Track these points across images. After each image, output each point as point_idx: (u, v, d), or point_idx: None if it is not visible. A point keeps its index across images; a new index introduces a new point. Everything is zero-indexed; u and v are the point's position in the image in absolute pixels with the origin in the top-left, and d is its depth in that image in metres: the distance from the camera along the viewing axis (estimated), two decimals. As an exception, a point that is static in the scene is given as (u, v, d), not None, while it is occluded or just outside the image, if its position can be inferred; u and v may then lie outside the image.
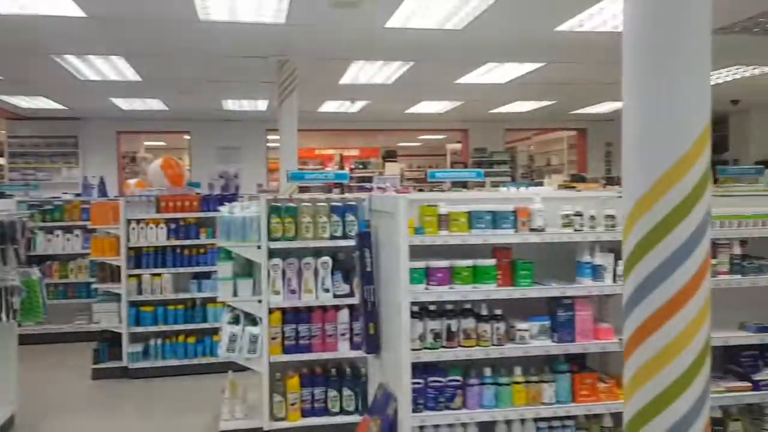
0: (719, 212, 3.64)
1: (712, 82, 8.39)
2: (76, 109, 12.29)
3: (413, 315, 3.41)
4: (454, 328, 3.45)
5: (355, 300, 4.63)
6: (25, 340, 5.81)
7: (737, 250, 3.68)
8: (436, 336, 3.43)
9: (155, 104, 11.79)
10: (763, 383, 3.58)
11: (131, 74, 8.85)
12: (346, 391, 4.69)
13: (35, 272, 5.16)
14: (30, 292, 5.00)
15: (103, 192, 9.88)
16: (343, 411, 4.67)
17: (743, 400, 3.61)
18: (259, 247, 4.75)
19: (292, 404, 4.63)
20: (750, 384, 3.60)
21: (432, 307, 3.48)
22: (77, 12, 5.87)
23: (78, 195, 9.17)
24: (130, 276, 6.68)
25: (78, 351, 7.36)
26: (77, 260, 8.13)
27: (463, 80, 9.61)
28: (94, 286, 6.95)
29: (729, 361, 3.77)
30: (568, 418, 3.55)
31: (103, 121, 13.51)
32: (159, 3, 5.75)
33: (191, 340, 6.71)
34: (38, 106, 11.79)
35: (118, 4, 5.77)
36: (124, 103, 11.67)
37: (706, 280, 1.90)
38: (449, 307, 3.50)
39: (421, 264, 3.45)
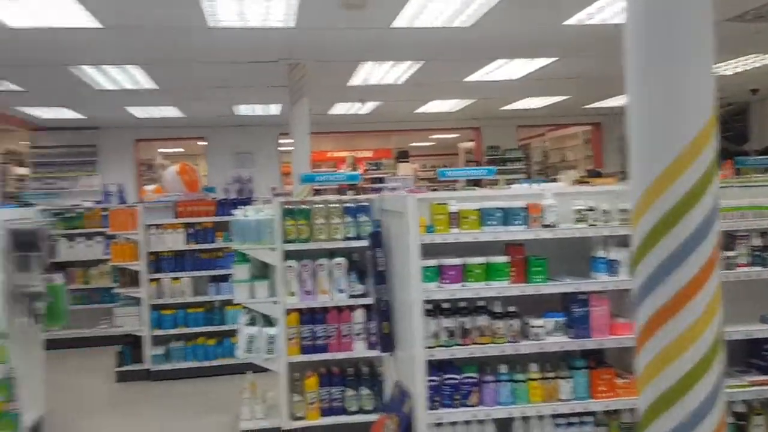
0: (737, 204, 3.61)
1: (730, 72, 8.24)
2: (94, 118, 12.46)
3: (427, 313, 3.43)
4: (468, 326, 3.48)
5: (370, 300, 4.66)
6: (50, 344, 5.91)
7: (757, 241, 3.65)
8: (450, 334, 3.46)
9: (171, 111, 11.91)
10: (786, 376, 3.55)
11: (146, 82, 8.96)
12: (364, 390, 4.71)
13: (58, 278, 5.25)
14: (54, 298, 5.10)
15: (122, 199, 10.01)
16: (361, 410, 4.70)
17: (766, 394, 3.57)
18: (273, 250, 4.79)
19: (311, 403, 4.67)
20: (772, 377, 3.56)
21: (445, 305, 3.50)
22: (93, 23, 5.96)
23: (98, 202, 9.30)
24: (151, 280, 6.77)
25: (102, 354, 7.46)
26: (99, 266, 8.24)
27: (472, 78, 9.60)
28: (115, 290, 7.04)
29: (751, 355, 3.74)
30: (587, 414, 3.55)
31: (120, 130, 13.70)
32: (168, 11, 5.83)
33: (211, 342, 6.79)
34: (58, 116, 11.97)
35: (131, 13, 5.86)
36: (139, 111, 11.81)
37: (716, 272, 1.90)
38: (462, 304, 3.52)
39: (433, 262, 3.48)
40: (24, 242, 4.91)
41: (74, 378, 6.96)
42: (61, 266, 7.49)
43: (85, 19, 5.83)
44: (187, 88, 9.65)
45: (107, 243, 7.84)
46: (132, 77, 8.64)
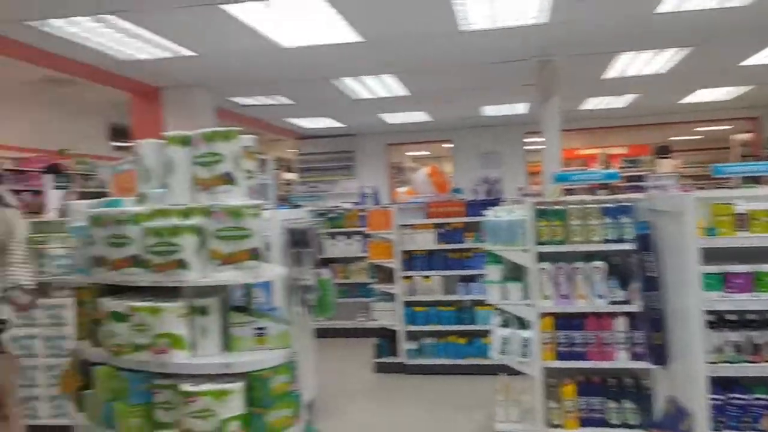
0: None
1: None
2: (352, 126, 13.56)
3: (708, 325, 3.07)
4: (759, 341, 3.05)
5: (632, 307, 4.32)
6: (317, 333, 6.53)
7: None
8: (737, 349, 3.05)
9: (419, 116, 12.47)
10: None
11: (399, 90, 9.48)
12: (628, 403, 4.39)
13: (326, 273, 5.76)
14: (322, 291, 5.61)
15: (376, 200, 10.72)
16: (624, 424, 4.38)
17: None
18: (526, 251, 4.69)
19: (569, 412, 4.48)
20: None
21: (731, 317, 3.10)
22: (356, 38, 6.46)
23: (356, 204, 10.08)
24: (404, 278, 7.09)
25: (361, 345, 8.06)
26: (357, 263, 8.93)
27: (750, 62, 8.45)
28: (371, 286, 7.51)
29: None
30: None
31: (374, 135, 14.72)
32: (422, 20, 6.06)
33: (461, 341, 6.89)
34: (320, 125, 13.28)
35: (389, 25, 6.21)
36: (390, 118, 12.56)
37: None
38: (752, 317, 3.09)
39: (714, 269, 3.11)
40: (297, 240, 5.47)
41: (337, 365, 7.57)
42: (325, 262, 8.20)
43: (348, 35, 6.34)
44: (437, 93, 9.99)
45: (365, 241, 8.43)
46: (387, 86, 9.21)
